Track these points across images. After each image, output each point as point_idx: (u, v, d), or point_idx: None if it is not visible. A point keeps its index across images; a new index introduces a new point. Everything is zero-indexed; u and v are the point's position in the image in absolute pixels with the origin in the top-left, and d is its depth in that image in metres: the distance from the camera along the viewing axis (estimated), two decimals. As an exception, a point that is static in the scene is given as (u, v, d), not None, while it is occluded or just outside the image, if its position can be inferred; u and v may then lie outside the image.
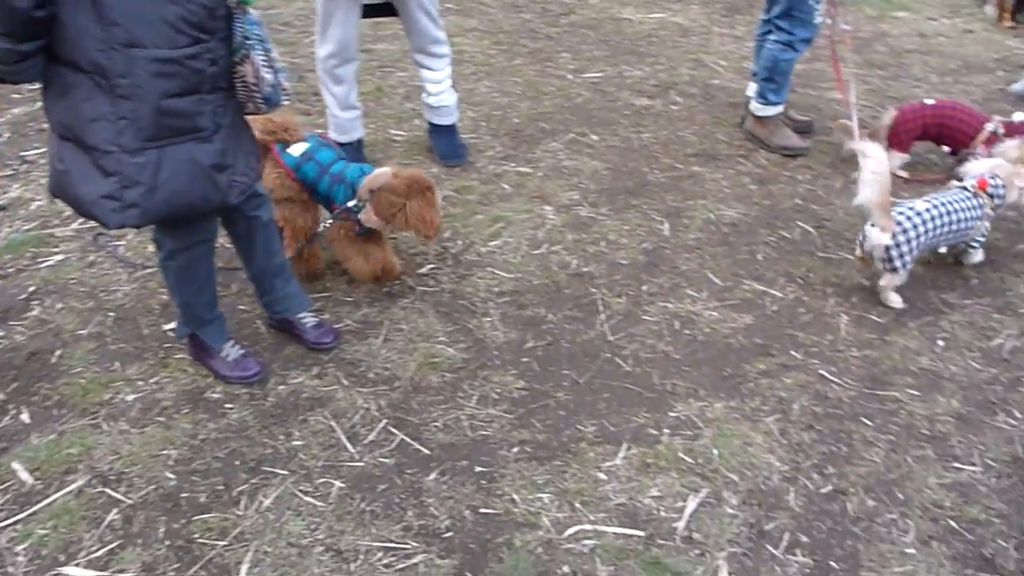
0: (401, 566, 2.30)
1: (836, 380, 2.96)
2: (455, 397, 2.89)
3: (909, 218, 3.21)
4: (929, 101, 4.07)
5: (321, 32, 3.86)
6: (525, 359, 3.05)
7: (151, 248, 2.84)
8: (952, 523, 2.46)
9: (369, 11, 3.95)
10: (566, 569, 2.30)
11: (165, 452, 2.65)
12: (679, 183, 4.16)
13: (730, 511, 2.48)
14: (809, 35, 4.10)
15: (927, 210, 3.24)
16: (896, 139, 4.04)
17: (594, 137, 4.60)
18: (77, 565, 2.30)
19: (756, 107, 4.38)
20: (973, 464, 2.65)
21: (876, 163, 3.17)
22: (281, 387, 2.92)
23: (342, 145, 4.07)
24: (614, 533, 2.40)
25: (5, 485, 2.53)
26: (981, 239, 3.46)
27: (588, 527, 2.42)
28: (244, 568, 2.29)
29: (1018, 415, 2.83)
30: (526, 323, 3.23)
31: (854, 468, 2.62)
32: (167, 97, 2.30)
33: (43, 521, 2.42)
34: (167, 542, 2.37)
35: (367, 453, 2.67)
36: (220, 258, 3.46)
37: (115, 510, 2.46)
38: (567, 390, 2.92)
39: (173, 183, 2.39)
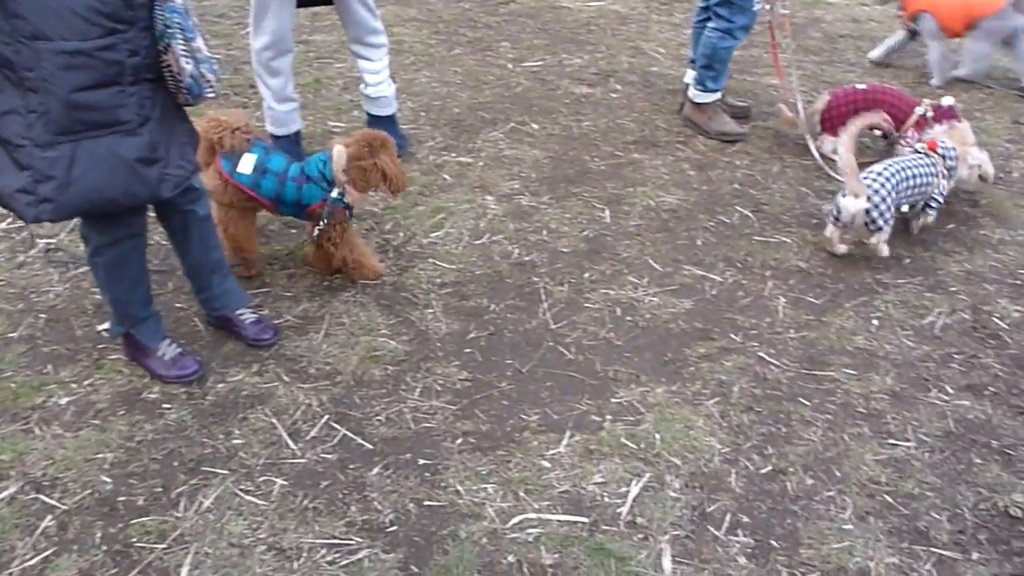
0: (345, 562, 2.28)
1: (775, 362, 3.00)
2: (398, 390, 2.87)
3: (876, 179, 3.38)
4: (861, 86, 4.14)
5: (256, 24, 3.79)
6: (468, 350, 3.04)
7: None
8: (888, 498, 2.51)
9: (304, 1, 3.89)
10: (511, 559, 2.30)
11: (101, 455, 2.59)
12: (619, 171, 4.18)
13: (673, 495, 2.50)
14: (748, 22, 4.14)
15: (886, 169, 3.42)
16: (829, 123, 4.10)
17: (535, 126, 4.60)
18: (11, 575, 2.24)
19: (694, 94, 4.42)
20: (907, 440, 2.71)
21: (848, 135, 3.41)
22: (220, 385, 2.87)
23: (279, 138, 4.02)
24: (558, 521, 2.41)
25: (-68, 495, 2.46)
26: (939, 200, 3.60)
27: (532, 516, 2.42)
28: (184, 571, 2.26)
29: (950, 391, 2.90)
30: (469, 314, 3.22)
31: (793, 448, 2.67)
32: (78, 90, 2.24)
33: (-27, 531, 2.35)
34: (104, 547, 2.32)
35: (309, 449, 2.64)
36: (155, 255, 3.42)
37: (49, 517, 2.40)
38: (510, 380, 2.92)
39: (89, 178, 2.32)
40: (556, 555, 2.31)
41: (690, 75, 4.48)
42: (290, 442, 2.66)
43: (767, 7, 4.15)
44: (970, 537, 2.41)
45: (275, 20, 3.73)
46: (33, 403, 2.76)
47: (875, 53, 5.42)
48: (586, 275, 3.43)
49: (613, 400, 2.83)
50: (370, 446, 2.65)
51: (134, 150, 2.38)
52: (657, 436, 2.68)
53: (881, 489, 2.54)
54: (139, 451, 2.61)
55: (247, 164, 3.12)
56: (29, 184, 2.29)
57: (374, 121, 4.25)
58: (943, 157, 3.58)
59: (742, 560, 2.32)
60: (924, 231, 3.65)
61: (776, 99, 4.55)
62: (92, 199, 2.37)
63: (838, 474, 2.58)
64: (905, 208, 3.56)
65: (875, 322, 3.20)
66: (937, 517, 2.46)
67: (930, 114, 3.94)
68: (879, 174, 3.41)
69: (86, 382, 2.86)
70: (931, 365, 3.01)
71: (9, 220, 3.59)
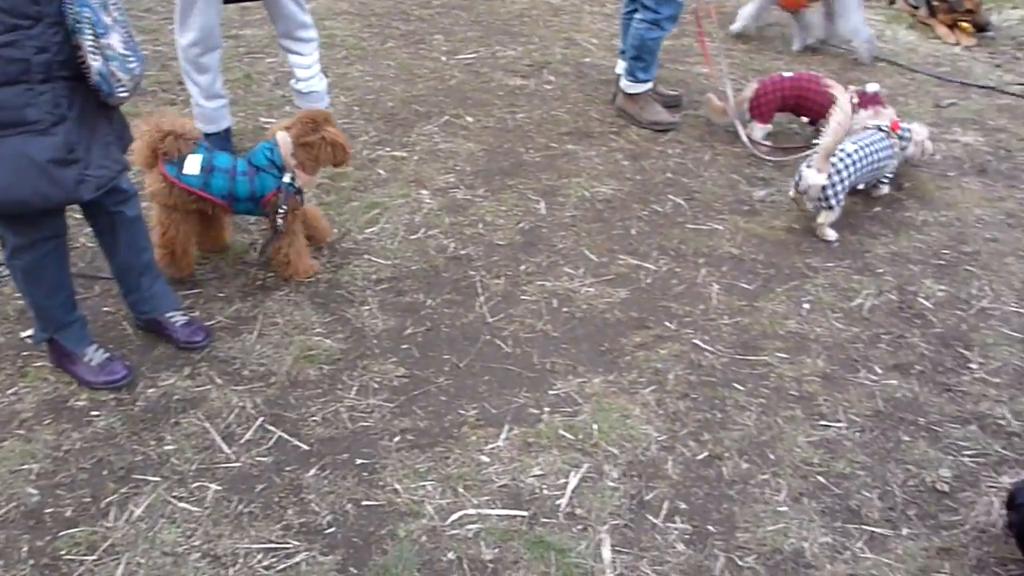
0: (282, 567, 2.25)
1: (709, 348, 3.04)
2: (334, 389, 2.83)
3: (842, 159, 3.49)
4: (787, 74, 4.20)
5: (181, 20, 3.70)
6: (405, 346, 3.02)
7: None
8: (821, 479, 2.56)
9: (231, -3, 3.83)
10: (451, 555, 2.29)
11: (26, 466, 2.52)
12: (554, 162, 4.18)
13: (611, 484, 2.52)
14: (674, 12, 4.17)
15: (856, 151, 3.54)
16: (757, 111, 4.17)
17: (469, 119, 4.58)
18: (-69, 594, 2.17)
19: (626, 84, 4.44)
20: (838, 421, 2.77)
21: (840, 115, 3.46)
22: (151, 390, 2.80)
23: (209, 135, 3.93)
24: (498, 515, 2.41)
25: None
26: (890, 175, 3.80)
27: (472, 511, 2.42)
28: (116, 582, 2.20)
29: (878, 371, 2.97)
30: (405, 309, 3.19)
31: (728, 433, 2.70)
32: None
33: None
34: (31, 561, 2.25)
35: (244, 453, 2.60)
36: (81, 259, 3.33)
37: (-28, 532, 2.32)
38: (448, 375, 2.90)
39: None
40: (496, 550, 2.31)
41: (621, 66, 4.50)
42: (224, 446, 2.62)
43: None
44: (900, 513, 2.47)
45: (202, 16, 3.65)
46: (-47, 416, 2.67)
47: (735, 27, 5.65)
48: (522, 267, 3.43)
49: (551, 392, 2.83)
50: (306, 447, 2.62)
51: (47, 151, 2.30)
52: (595, 426, 2.70)
53: (814, 470, 2.59)
54: (66, 461, 2.54)
55: (193, 165, 3.06)
56: None
57: (305, 116, 4.18)
58: (900, 138, 3.77)
59: (680, 546, 2.35)
60: (851, 215, 3.72)
61: (706, 87, 4.60)
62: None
63: (772, 457, 2.63)
64: (861, 186, 3.71)
65: (806, 306, 3.26)
66: (868, 495, 2.52)
67: (855, 100, 4.01)
68: (848, 155, 3.53)
69: (9, 391, 2.77)
70: (860, 346, 3.07)
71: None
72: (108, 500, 2.42)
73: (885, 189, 3.88)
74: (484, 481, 2.51)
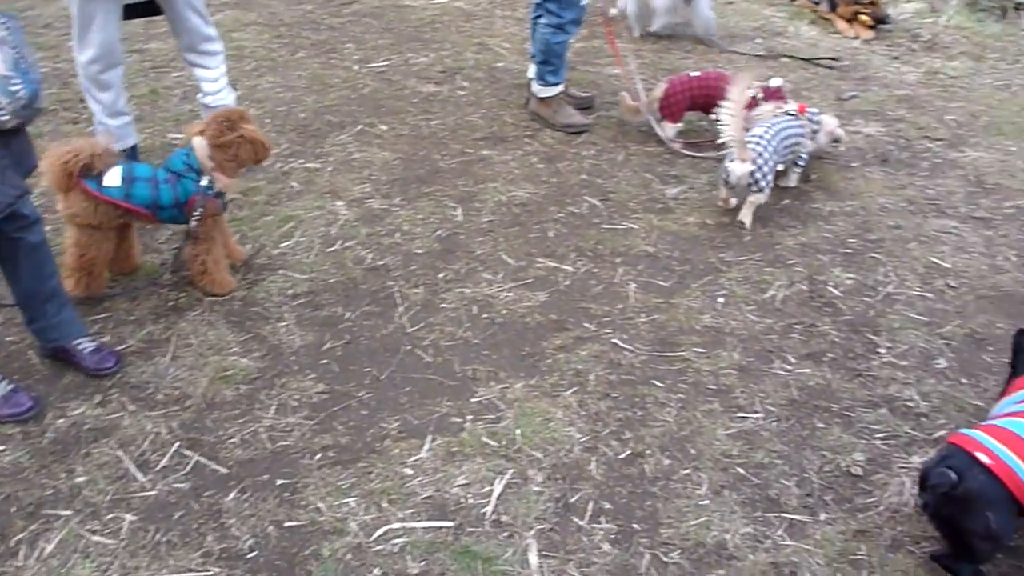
0: (203, 594, 2.20)
1: (628, 347, 3.07)
2: (252, 409, 2.78)
3: (759, 143, 3.63)
4: (695, 73, 4.28)
5: (80, 37, 3.59)
6: (324, 361, 2.98)
7: None
8: (740, 470, 2.61)
9: (131, 11, 3.72)
10: (377, 572, 2.27)
11: (-73, 510, 2.41)
12: (470, 168, 4.18)
13: (536, 489, 2.52)
14: (577, 16, 4.20)
15: (768, 133, 3.69)
16: (668, 110, 4.23)
17: (383, 127, 4.55)
18: None
19: (537, 89, 4.47)
20: (756, 412, 2.83)
21: (732, 105, 3.61)
22: (60, 421, 2.71)
23: (113, 155, 3.82)
24: (423, 528, 2.39)
25: None
26: (805, 158, 3.93)
27: (397, 525, 2.40)
28: (27, 624, 2.12)
29: (792, 360, 3.04)
30: (323, 324, 3.15)
31: (649, 430, 2.74)
32: None
33: None
34: (-65, 609, 2.16)
35: (160, 480, 2.53)
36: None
37: None
38: (368, 388, 2.87)
39: None
40: (422, 563, 2.30)
41: (533, 70, 4.52)
42: (138, 474, 2.54)
43: None
44: (817, 499, 2.53)
45: (101, 32, 3.55)
46: None
47: (654, 26, 5.78)
48: (441, 275, 3.42)
49: (473, 400, 2.83)
50: (225, 470, 2.56)
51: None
52: (518, 432, 2.70)
53: (734, 462, 2.64)
54: (-29, 501, 2.44)
55: (114, 177, 3.00)
56: None
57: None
58: (809, 120, 3.91)
59: (606, 547, 2.36)
60: (760, 208, 3.80)
61: (618, 88, 4.65)
62: None
63: (693, 451, 2.67)
64: (780, 167, 3.81)
65: (721, 300, 3.32)
66: (786, 483, 2.58)
67: (760, 95, 4.11)
68: (761, 137, 3.66)
69: (-94, 432, 2.66)
70: (774, 337, 3.14)
71: None
72: (17, 538, 2.34)
73: (794, 180, 4.00)
74: (408, 494, 2.49)
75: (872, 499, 2.53)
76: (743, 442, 2.71)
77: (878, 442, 2.72)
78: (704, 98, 4.20)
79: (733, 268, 3.49)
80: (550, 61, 4.31)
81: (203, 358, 2.97)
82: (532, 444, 2.67)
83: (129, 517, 2.41)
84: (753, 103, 4.06)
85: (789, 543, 2.39)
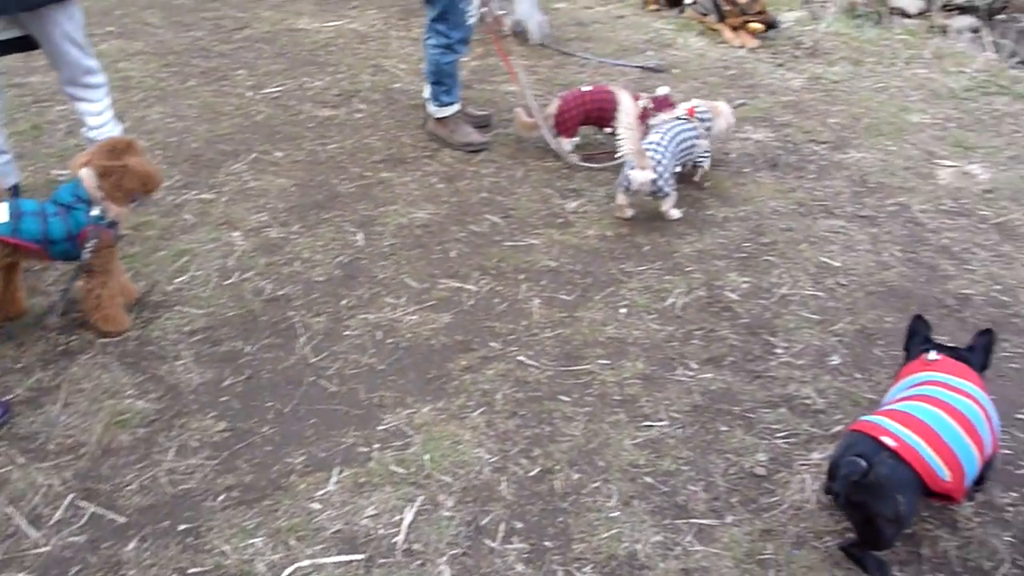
0: (103, 653, 2.11)
1: (534, 363, 3.08)
2: (151, 454, 2.69)
3: (656, 150, 3.75)
4: (586, 88, 4.34)
5: (-50, 74, 3.44)
6: (224, 398, 2.91)
7: None
8: (648, 479, 2.65)
9: (4, 47, 3.58)
10: (286, 612, 2.22)
11: None
12: (369, 191, 4.15)
13: (447, 514, 2.51)
14: (464, 35, 4.23)
15: (664, 139, 3.81)
16: (563, 126, 4.28)
17: (279, 154, 4.48)
18: None
19: (433, 109, 4.47)
20: (661, 420, 2.87)
21: (627, 116, 3.72)
22: (-58, 481, 2.58)
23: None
24: (334, 563, 2.35)
25: None
26: (706, 155, 4.09)
27: (306, 563, 2.35)
28: None
29: (694, 366, 3.10)
30: (222, 359, 3.07)
31: (557, 446, 2.75)
32: None
33: None
34: None
35: (54, 535, 2.42)
36: None
37: None
38: (272, 423, 2.81)
39: None
40: (333, 598, 2.25)
41: (428, 90, 4.52)
42: (31, 531, 2.43)
43: (484, 10, 4.27)
44: (724, 502, 2.58)
45: (-28, 68, 3.41)
46: None
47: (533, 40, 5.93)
48: (343, 302, 3.37)
49: (380, 427, 2.80)
50: (123, 519, 2.47)
51: None
52: (426, 457, 2.68)
53: (641, 471, 2.67)
54: None
55: (1, 213, 2.88)
56: None
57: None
58: (701, 120, 4.04)
59: (520, 567, 2.36)
60: (656, 218, 3.88)
61: (515, 105, 4.69)
62: None
63: (601, 464, 2.69)
64: (679, 169, 3.93)
65: (623, 310, 3.36)
66: (694, 489, 2.62)
67: (651, 106, 4.20)
68: (658, 144, 3.78)
69: None
70: (675, 344, 3.20)
71: None
72: (-103, 611, 2.21)
73: (706, 165, 4.17)
74: (317, 529, 2.44)
75: (776, 498, 2.59)
76: (650, 451, 2.74)
77: (779, 441, 2.79)
78: (597, 112, 4.27)
79: (633, 278, 3.54)
80: (442, 81, 4.32)
81: (97, 403, 2.86)
82: (441, 468, 2.65)
83: (21, 577, 2.30)
84: (647, 113, 4.15)
85: (698, 548, 2.42)
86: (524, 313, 3.34)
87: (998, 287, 3.50)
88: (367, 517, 2.48)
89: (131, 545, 2.39)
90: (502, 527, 2.47)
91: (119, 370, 3.01)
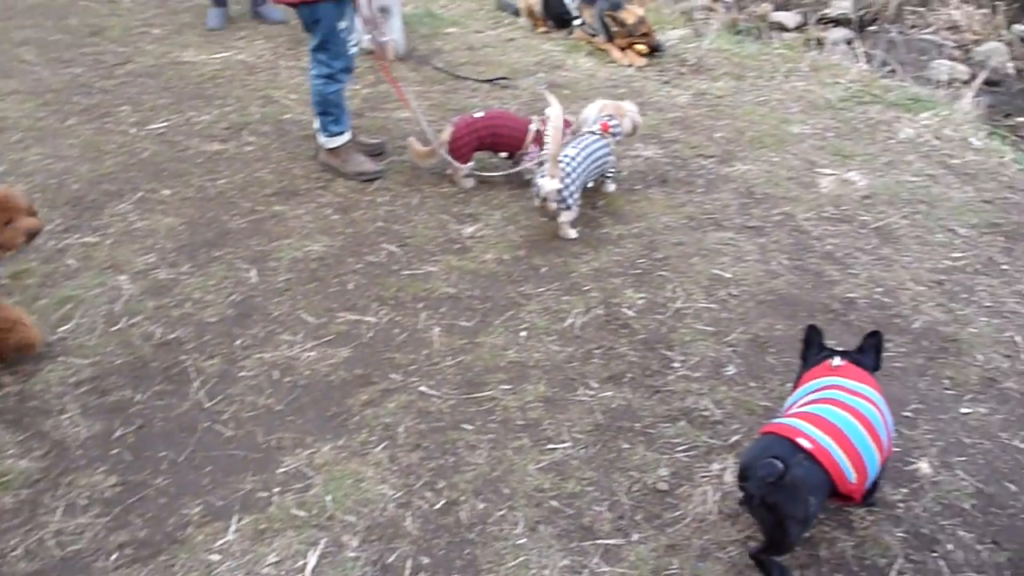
0: None
1: (435, 393, 3.07)
2: (36, 515, 2.57)
3: (568, 163, 3.83)
4: (479, 114, 4.35)
5: None
6: (115, 451, 2.80)
7: None
8: (554, 503, 2.66)
9: None
10: (185, 672, 2.14)
11: None
12: (262, 225, 4.07)
13: (352, 554, 2.46)
14: (346, 64, 4.20)
15: (577, 155, 3.90)
16: (456, 152, 4.28)
17: (166, 192, 4.36)
18: None
19: (323, 140, 4.42)
20: (564, 441, 2.89)
21: (555, 118, 3.79)
22: None
23: None
24: (234, 615, 2.28)
25: None
26: (612, 171, 4.28)
27: (206, 617, 2.27)
28: None
29: (594, 385, 3.13)
30: (111, 410, 2.96)
31: (462, 476, 2.74)
32: None
33: None
34: None
35: (-70, 612, 2.29)
36: None
37: None
38: (166, 473, 2.72)
39: None
40: (235, 653, 2.18)
41: (318, 121, 4.47)
42: (-96, 610, 2.29)
43: (367, 38, 4.25)
44: (629, 520, 2.61)
45: None
46: None
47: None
48: (237, 342, 3.30)
49: (279, 471, 2.74)
50: (7, 589, 2.35)
51: None
52: (328, 498, 2.63)
53: (546, 496, 2.68)
54: None
55: None
56: None
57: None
58: (613, 135, 4.17)
59: (428, 602, 2.34)
60: (555, 238, 3.92)
61: (408, 132, 4.67)
62: None
63: (506, 491, 2.69)
64: (590, 184, 4.04)
65: (523, 334, 3.38)
66: (599, 509, 2.64)
67: (543, 128, 4.24)
68: (572, 159, 3.87)
69: None
70: (576, 364, 3.23)
71: None
72: None
73: (611, 186, 4.34)
74: (216, 582, 2.37)
75: (679, 512, 2.63)
76: (554, 474, 2.75)
77: (680, 455, 2.84)
78: (491, 137, 4.29)
79: (532, 300, 3.57)
80: (329, 111, 4.28)
81: (-25, 466, 2.72)
82: (344, 508, 2.60)
83: None
84: (540, 136, 4.19)
85: (605, 569, 2.44)
86: (424, 342, 3.32)
87: (880, 289, 3.65)
88: (269, 565, 2.42)
89: (17, 615, 2.28)
90: (409, 563, 2.45)
91: (-1, 429, 2.87)
